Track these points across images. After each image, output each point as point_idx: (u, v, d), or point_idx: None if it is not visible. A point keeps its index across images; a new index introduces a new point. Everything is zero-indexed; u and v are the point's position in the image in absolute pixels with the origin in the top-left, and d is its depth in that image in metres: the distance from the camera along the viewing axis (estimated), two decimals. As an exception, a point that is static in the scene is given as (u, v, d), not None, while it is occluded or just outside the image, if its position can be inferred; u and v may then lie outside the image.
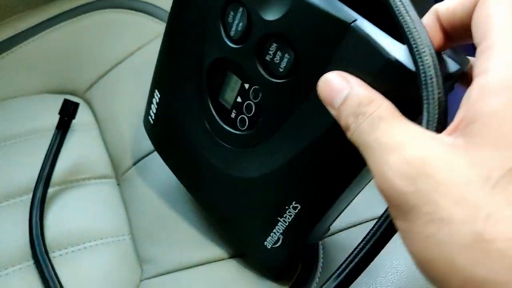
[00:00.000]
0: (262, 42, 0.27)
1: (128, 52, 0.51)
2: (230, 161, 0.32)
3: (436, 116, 0.19)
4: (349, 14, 0.23)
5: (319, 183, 0.28)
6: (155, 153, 0.41)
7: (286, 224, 0.30)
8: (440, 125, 0.19)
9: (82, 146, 0.45)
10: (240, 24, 0.28)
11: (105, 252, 0.38)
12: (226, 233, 0.37)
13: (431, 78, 0.19)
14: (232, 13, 0.28)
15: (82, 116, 0.48)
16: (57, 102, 0.45)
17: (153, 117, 0.38)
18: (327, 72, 0.23)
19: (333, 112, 0.22)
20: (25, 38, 0.51)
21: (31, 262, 0.36)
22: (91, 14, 0.53)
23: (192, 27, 0.31)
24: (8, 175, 0.42)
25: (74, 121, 0.46)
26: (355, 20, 0.23)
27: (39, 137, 0.45)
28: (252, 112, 0.29)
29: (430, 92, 0.19)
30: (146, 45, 0.51)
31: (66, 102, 0.45)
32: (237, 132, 0.31)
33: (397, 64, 0.21)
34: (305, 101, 0.26)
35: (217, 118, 0.32)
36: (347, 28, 0.23)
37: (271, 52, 0.27)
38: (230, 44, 0.29)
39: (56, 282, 0.34)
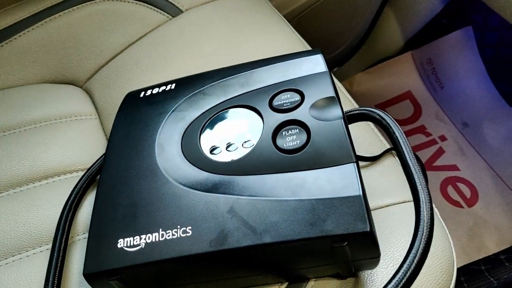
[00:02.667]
0: None
1: (128, 42, 0.51)
2: None
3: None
4: None
5: None
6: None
7: None
8: None
9: (82, 136, 0.45)
10: None
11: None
12: None
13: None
14: None
15: (82, 106, 0.47)
16: (57, 92, 0.45)
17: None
18: None
19: None
20: (24, 27, 0.51)
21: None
22: (91, 4, 0.52)
23: None
24: (6, 166, 0.41)
25: (73, 111, 0.45)
26: None
27: (38, 128, 0.45)
28: None
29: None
30: (146, 35, 0.51)
31: None
32: None
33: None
34: None
35: None
36: None
37: None
38: None
39: None
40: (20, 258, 0.36)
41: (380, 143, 0.42)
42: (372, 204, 0.37)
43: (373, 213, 0.34)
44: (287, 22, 0.55)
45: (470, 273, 0.68)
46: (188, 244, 0.28)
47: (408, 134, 0.90)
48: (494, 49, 0.92)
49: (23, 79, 0.50)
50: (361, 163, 0.40)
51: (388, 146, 0.42)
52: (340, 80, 0.82)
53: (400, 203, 0.37)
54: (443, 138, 0.89)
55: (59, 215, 0.37)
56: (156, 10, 0.52)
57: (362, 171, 0.37)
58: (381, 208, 0.36)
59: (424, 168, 0.31)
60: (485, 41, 0.92)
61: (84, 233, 0.37)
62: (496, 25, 0.90)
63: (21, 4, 0.52)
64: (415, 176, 0.29)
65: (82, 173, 0.42)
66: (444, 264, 0.34)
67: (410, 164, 0.30)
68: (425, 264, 0.27)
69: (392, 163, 0.40)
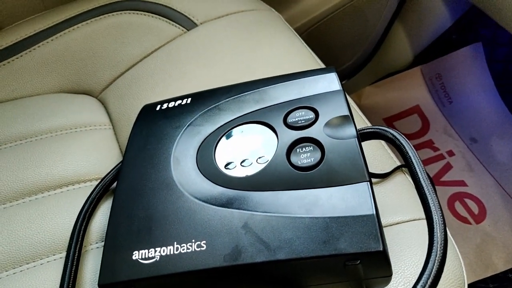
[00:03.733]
0: None
1: (144, 54, 0.51)
2: None
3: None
4: None
5: None
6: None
7: None
8: None
9: (97, 146, 0.46)
10: None
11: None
12: None
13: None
14: None
15: (97, 116, 0.48)
16: (72, 102, 0.46)
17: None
18: None
19: None
20: (43, 38, 0.52)
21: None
22: (108, 16, 0.53)
23: None
24: (22, 174, 0.42)
25: (88, 121, 0.46)
26: None
27: (54, 137, 0.45)
28: None
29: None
30: (161, 48, 0.52)
31: None
32: None
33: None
34: None
35: None
36: None
37: None
38: None
39: None
40: (34, 266, 0.37)
41: (390, 160, 0.42)
42: (383, 221, 0.37)
43: (384, 230, 0.35)
44: (299, 37, 0.56)
45: (477, 290, 0.68)
46: (202, 258, 0.29)
47: (415, 148, 0.90)
48: (503, 64, 0.92)
49: (41, 88, 0.51)
50: (372, 180, 0.40)
51: (398, 162, 0.43)
52: (349, 93, 0.83)
53: (410, 220, 0.37)
54: (451, 153, 0.89)
55: (73, 224, 0.38)
56: (171, 23, 0.53)
57: (374, 188, 0.38)
58: (391, 225, 0.37)
59: (434, 187, 0.31)
60: (494, 56, 0.92)
61: (97, 242, 0.38)
62: (505, 41, 0.90)
63: (40, 16, 0.53)
64: (429, 197, 0.29)
65: (96, 183, 0.43)
66: (455, 284, 0.34)
67: (424, 185, 0.30)
68: (437, 285, 0.27)
69: (402, 180, 0.40)
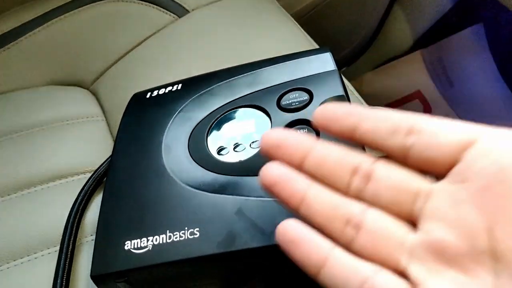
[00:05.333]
0: None
1: (135, 43, 0.50)
2: None
3: None
4: None
5: None
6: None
7: None
8: None
9: (89, 138, 0.45)
10: None
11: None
12: None
13: None
14: None
15: (89, 107, 0.47)
16: (63, 94, 0.45)
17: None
18: None
19: None
20: (30, 28, 0.51)
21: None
22: (96, 5, 0.52)
23: None
24: (14, 168, 0.41)
25: (80, 113, 0.45)
26: None
27: (46, 130, 0.45)
28: None
29: None
30: (152, 36, 0.51)
31: None
32: None
33: None
34: None
35: None
36: None
37: None
38: None
39: None
40: (28, 260, 0.36)
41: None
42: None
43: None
44: (294, 21, 0.54)
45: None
46: (195, 245, 0.28)
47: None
48: (505, 46, 0.90)
49: (30, 81, 0.50)
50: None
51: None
52: (349, 80, 0.82)
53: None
54: (453, 138, 0.87)
55: (66, 217, 0.37)
56: (162, 11, 0.52)
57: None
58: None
59: None
60: (496, 39, 0.91)
61: (92, 235, 0.37)
62: (508, 22, 0.88)
63: (25, 7, 0.52)
64: None
65: (89, 175, 0.42)
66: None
67: None
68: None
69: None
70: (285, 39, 0.51)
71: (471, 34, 0.92)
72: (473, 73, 0.92)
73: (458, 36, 0.92)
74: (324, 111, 0.21)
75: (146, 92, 0.40)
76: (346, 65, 0.96)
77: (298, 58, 0.37)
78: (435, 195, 0.18)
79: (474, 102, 0.90)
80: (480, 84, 0.91)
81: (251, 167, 0.31)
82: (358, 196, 0.20)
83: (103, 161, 0.43)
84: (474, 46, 0.92)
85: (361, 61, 0.96)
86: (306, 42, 0.51)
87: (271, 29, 0.52)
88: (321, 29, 0.81)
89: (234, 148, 0.33)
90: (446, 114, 0.91)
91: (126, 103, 0.47)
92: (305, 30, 0.54)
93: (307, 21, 0.79)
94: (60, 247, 0.35)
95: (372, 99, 0.95)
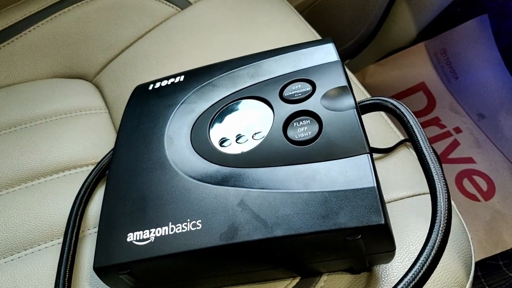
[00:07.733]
0: None
1: (137, 35, 0.50)
2: None
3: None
4: None
5: None
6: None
7: None
8: None
9: (92, 130, 0.45)
10: None
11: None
12: None
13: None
14: None
15: (92, 100, 0.47)
16: (67, 86, 0.45)
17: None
18: None
19: None
20: (33, 22, 0.51)
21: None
22: (99, -3, 0.52)
23: None
24: (18, 160, 0.42)
25: (83, 105, 0.45)
26: None
27: (49, 122, 0.44)
28: None
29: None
30: (155, 28, 0.50)
31: None
32: None
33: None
34: None
35: None
36: None
37: None
38: None
39: None
40: (32, 252, 0.36)
41: (393, 135, 0.41)
42: (386, 196, 0.36)
43: (387, 206, 0.34)
44: (297, 13, 0.54)
45: (487, 268, 0.67)
46: (198, 237, 0.28)
47: (422, 126, 0.88)
48: (510, 37, 0.89)
49: (33, 74, 0.50)
50: (374, 155, 0.39)
51: (402, 137, 0.41)
52: (353, 72, 0.81)
53: (415, 195, 0.36)
54: (458, 130, 0.87)
55: (69, 210, 0.37)
56: (164, 3, 0.52)
57: (376, 163, 0.36)
58: (395, 201, 0.36)
59: (439, 159, 0.30)
60: (501, 29, 0.90)
61: (95, 227, 0.37)
62: (513, 13, 0.87)
63: (28, 0, 0.52)
64: (431, 166, 0.28)
65: (92, 167, 0.42)
66: (462, 258, 0.33)
67: (426, 154, 0.29)
68: (442, 258, 0.26)
69: (406, 155, 0.39)
70: (288, 31, 0.50)
71: (476, 25, 0.91)
72: (477, 64, 0.91)
73: (463, 27, 0.91)
74: None
75: (148, 84, 0.40)
76: (350, 57, 0.95)
77: (300, 49, 0.36)
78: None
79: (478, 93, 0.89)
80: (484, 75, 0.90)
81: (254, 158, 0.31)
82: None
83: (106, 153, 0.43)
84: (479, 37, 0.91)
85: (364, 53, 0.95)
86: (310, 34, 0.50)
87: (274, 20, 0.51)
88: (324, 21, 0.81)
89: (236, 140, 0.33)
90: (450, 105, 0.90)
91: (129, 96, 0.47)
92: (308, 22, 0.53)
93: (310, 13, 0.78)
94: (63, 239, 0.35)
95: (375, 91, 0.95)
